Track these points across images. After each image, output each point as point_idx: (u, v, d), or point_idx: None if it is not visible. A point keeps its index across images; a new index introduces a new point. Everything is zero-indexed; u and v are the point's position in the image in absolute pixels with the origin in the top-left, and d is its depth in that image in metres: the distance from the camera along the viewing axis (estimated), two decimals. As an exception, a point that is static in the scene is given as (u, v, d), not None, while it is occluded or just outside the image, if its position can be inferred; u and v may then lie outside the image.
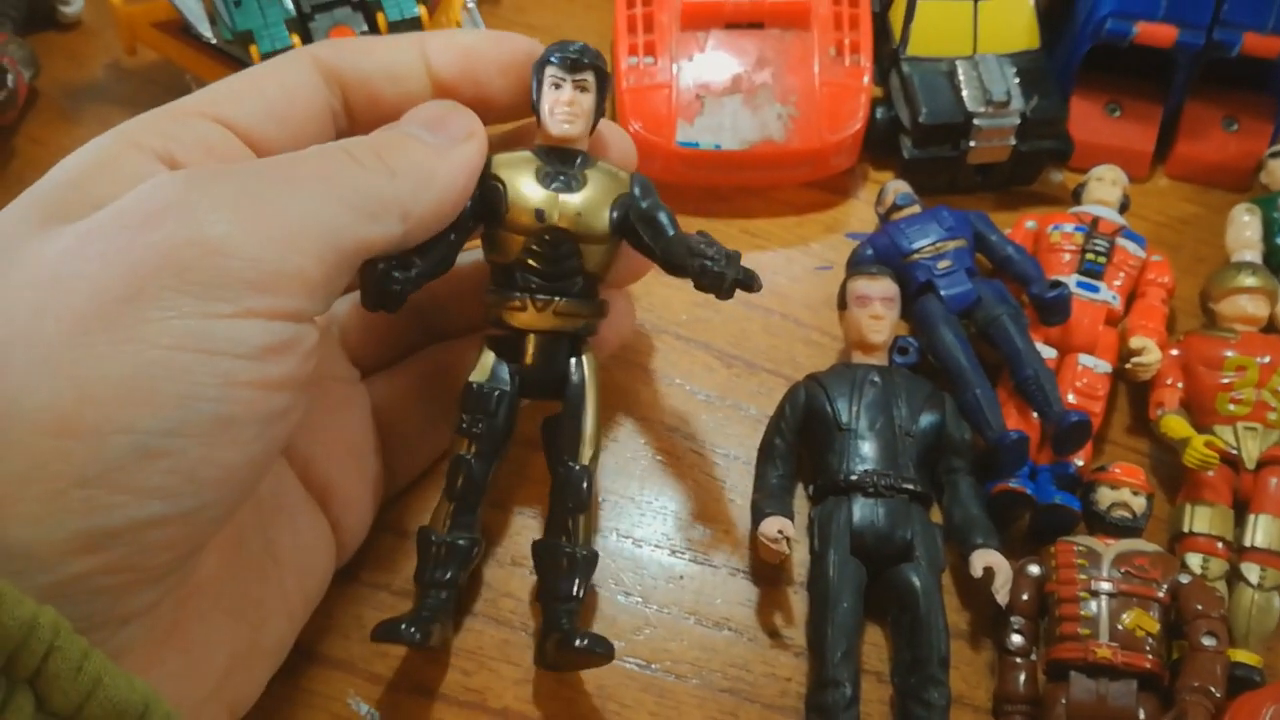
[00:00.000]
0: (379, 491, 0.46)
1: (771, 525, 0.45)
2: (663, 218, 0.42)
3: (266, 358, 0.31)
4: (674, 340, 0.55)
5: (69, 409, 0.28)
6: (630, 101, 0.58)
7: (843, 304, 0.52)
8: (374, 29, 0.56)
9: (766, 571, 0.48)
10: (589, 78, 0.41)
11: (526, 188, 0.41)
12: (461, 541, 0.42)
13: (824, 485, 0.48)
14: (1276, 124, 0.61)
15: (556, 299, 0.42)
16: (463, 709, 0.44)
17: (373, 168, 0.36)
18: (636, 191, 0.42)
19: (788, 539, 0.45)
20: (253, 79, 0.39)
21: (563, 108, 0.41)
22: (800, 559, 0.48)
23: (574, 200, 0.41)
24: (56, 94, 0.64)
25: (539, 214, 0.41)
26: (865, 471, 0.47)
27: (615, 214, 0.42)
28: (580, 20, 0.68)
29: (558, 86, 0.41)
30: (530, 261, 0.42)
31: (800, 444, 0.50)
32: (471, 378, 0.43)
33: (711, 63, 0.59)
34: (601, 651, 0.40)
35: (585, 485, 0.42)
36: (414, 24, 0.57)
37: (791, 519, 0.47)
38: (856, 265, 0.55)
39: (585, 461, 0.43)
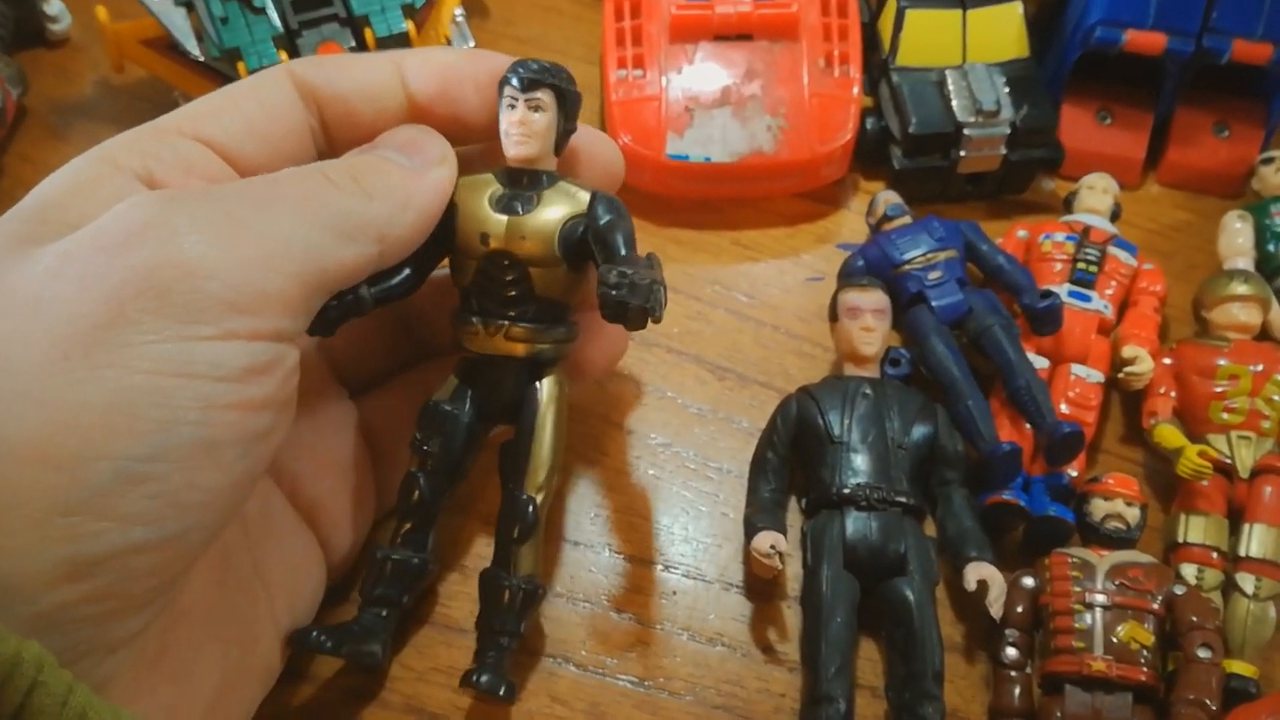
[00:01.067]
0: (369, 510, 0.46)
1: (764, 540, 0.45)
2: (616, 239, 0.40)
3: (247, 379, 0.31)
4: (665, 353, 0.55)
5: (50, 437, 0.27)
6: (619, 114, 0.58)
7: (834, 316, 0.51)
8: (362, 45, 0.56)
9: (760, 586, 0.48)
10: (543, 96, 0.40)
11: (477, 211, 0.41)
12: (412, 560, 0.42)
13: (816, 499, 0.48)
14: (1267, 129, 0.61)
15: (506, 324, 0.41)
16: (455, 729, 0.44)
17: (350, 190, 0.36)
18: (597, 210, 0.40)
19: (780, 554, 0.45)
20: (232, 97, 0.39)
21: (515, 128, 0.40)
22: (794, 573, 0.48)
23: (522, 223, 0.40)
24: (45, 111, 0.64)
25: (483, 238, 0.40)
26: (858, 485, 0.46)
27: (564, 234, 0.40)
28: (569, 32, 0.68)
29: (512, 106, 0.40)
30: (481, 284, 0.41)
31: (793, 457, 0.49)
32: (434, 397, 0.43)
33: (700, 75, 0.59)
34: (497, 696, 0.40)
35: (529, 514, 0.42)
36: (402, 39, 0.57)
37: (784, 533, 0.47)
38: (847, 277, 0.54)
39: (531, 491, 0.42)
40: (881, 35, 0.61)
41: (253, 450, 0.32)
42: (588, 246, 0.40)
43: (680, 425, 0.53)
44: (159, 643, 0.33)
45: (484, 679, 0.40)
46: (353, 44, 0.56)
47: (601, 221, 0.40)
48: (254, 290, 0.31)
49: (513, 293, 0.41)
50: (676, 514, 0.50)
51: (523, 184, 0.41)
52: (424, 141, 0.40)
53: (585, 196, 0.41)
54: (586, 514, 0.50)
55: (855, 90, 0.59)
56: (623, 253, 0.39)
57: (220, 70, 0.57)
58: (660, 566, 0.49)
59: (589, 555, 0.49)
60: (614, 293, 0.36)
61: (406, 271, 0.41)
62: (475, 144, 0.43)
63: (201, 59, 0.57)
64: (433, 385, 0.44)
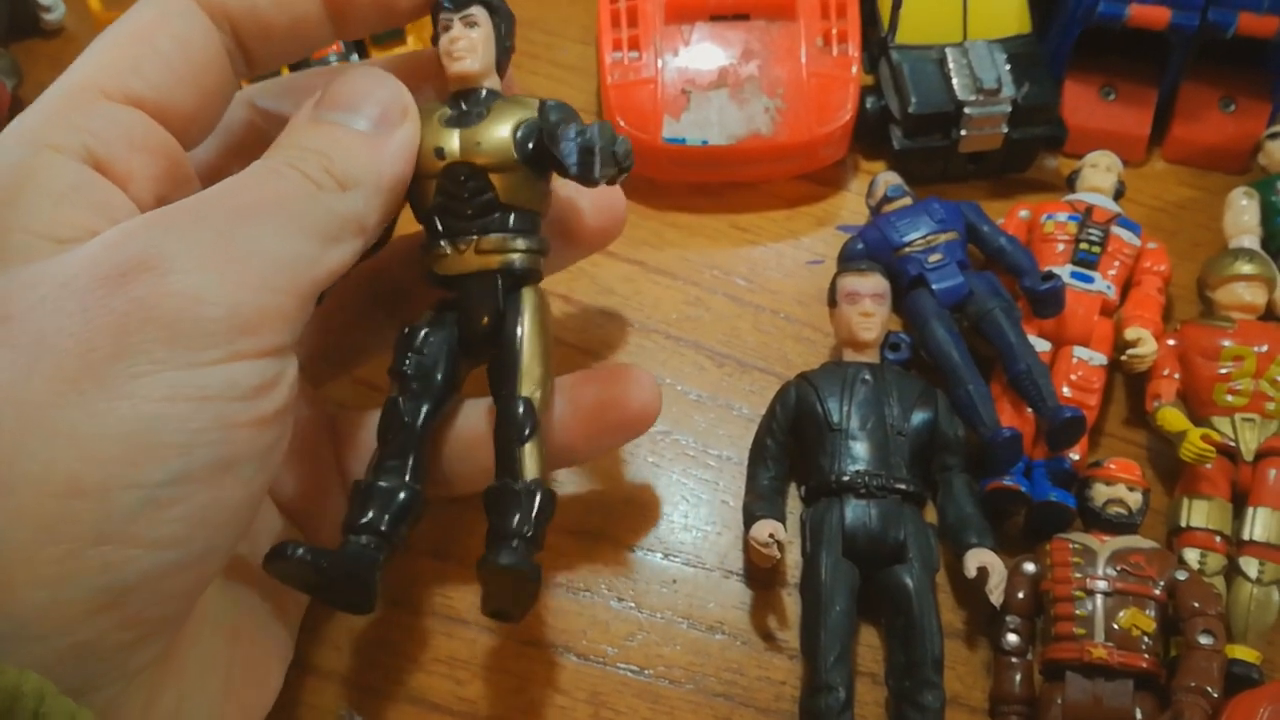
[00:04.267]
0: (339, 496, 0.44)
1: (762, 529, 0.45)
2: (567, 130, 0.39)
3: (259, 395, 0.31)
4: (664, 339, 0.55)
5: (72, 470, 0.27)
6: (615, 98, 0.57)
7: (832, 301, 0.51)
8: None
9: (760, 574, 0.48)
10: (475, 12, 0.40)
11: (429, 130, 0.39)
12: (396, 488, 0.39)
13: (816, 486, 0.47)
14: (1275, 104, 0.60)
15: (476, 237, 0.40)
16: (455, 719, 0.44)
17: (326, 185, 0.35)
18: (548, 112, 0.40)
19: (779, 542, 0.45)
20: (142, 36, 0.35)
21: (454, 45, 0.39)
22: (794, 561, 0.48)
23: (474, 130, 0.39)
24: (40, 102, 0.63)
25: (438, 151, 0.39)
26: (857, 472, 0.46)
27: (520, 136, 0.39)
28: (564, 12, 0.67)
29: (447, 28, 0.40)
30: (443, 204, 0.40)
31: (792, 444, 0.49)
32: (410, 324, 0.41)
33: (697, 56, 0.58)
34: (524, 574, 0.37)
35: (528, 413, 0.39)
36: (395, 30, 0.56)
37: (784, 521, 0.46)
38: (847, 260, 0.54)
39: (526, 392, 0.40)
40: (881, 12, 0.60)
41: (268, 462, 0.32)
42: (544, 149, 0.39)
43: (679, 412, 0.53)
44: (168, 650, 0.33)
45: (505, 558, 0.37)
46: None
47: (552, 118, 0.39)
48: (254, 310, 0.31)
49: (477, 203, 0.40)
50: (676, 502, 0.50)
51: (470, 98, 0.40)
52: (378, 94, 0.38)
53: (534, 102, 0.40)
54: (586, 503, 0.50)
55: (854, 69, 0.58)
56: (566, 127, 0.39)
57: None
58: (660, 555, 0.49)
59: (588, 544, 0.48)
60: (578, 139, 0.38)
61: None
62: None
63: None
64: None
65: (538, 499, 0.38)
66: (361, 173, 0.36)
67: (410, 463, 0.39)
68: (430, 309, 0.42)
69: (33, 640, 0.27)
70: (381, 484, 0.39)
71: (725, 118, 0.57)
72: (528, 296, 0.41)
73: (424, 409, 0.40)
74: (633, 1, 0.59)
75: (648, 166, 0.58)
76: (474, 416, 0.43)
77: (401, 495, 0.39)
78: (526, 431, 0.39)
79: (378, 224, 0.37)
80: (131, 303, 0.29)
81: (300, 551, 0.36)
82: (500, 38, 0.41)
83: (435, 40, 0.41)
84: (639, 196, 0.59)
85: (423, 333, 0.41)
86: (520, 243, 0.40)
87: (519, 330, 0.40)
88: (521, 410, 0.39)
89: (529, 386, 0.40)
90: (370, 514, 0.38)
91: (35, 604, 0.27)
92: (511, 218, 0.40)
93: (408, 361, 0.40)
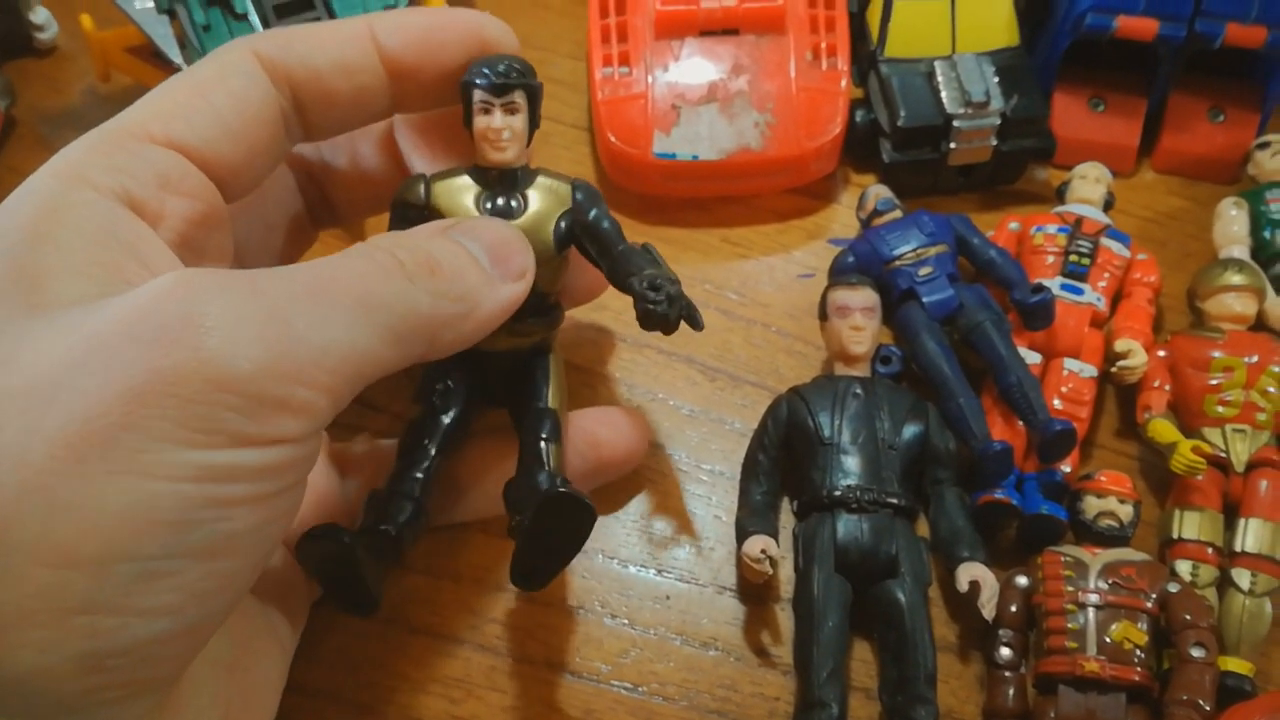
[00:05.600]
0: (352, 507, 0.45)
1: (754, 545, 0.45)
2: (605, 229, 0.41)
3: (264, 478, 0.30)
4: (656, 354, 0.55)
5: (67, 540, 0.27)
6: (606, 114, 0.58)
7: (823, 315, 0.51)
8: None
9: (753, 589, 0.48)
10: (517, 98, 0.40)
11: (466, 215, 0.41)
12: (398, 494, 0.41)
13: (808, 501, 0.47)
14: (1263, 114, 0.60)
15: (510, 321, 0.40)
16: (450, 739, 0.44)
17: (421, 285, 0.34)
18: (579, 199, 0.42)
19: (771, 558, 0.45)
20: (199, 88, 0.36)
21: (496, 135, 0.40)
22: (787, 576, 0.48)
23: (517, 228, 0.40)
24: (35, 121, 0.63)
25: None
26: (848, 487, 0.46)
27: (559, 231, 0.41)
28: (555, 28, 0.67)
29: (487, 111, 0.40)
30: None
31: (784, 459, 0.49)
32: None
33: (687, 71, 0.58)
34: (583, 505, 0.38)
35: (554, 422, 0.42)
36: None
37: (776, 536, 0.46)
38: (837, 274, 0.54)
39: (553, 406, 0.43)
40: (870, 25, 0.60)
41: (271, 532, 0.32)
42: (575, 238, 0.42)
43: (672, 427, 0.53)
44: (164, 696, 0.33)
45: (562, 486, 0.38)
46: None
47: (589, 214, 0.42)
48: (278, 401, 0.30)
49: None
50: (669, 518, 0.50)
51: (502, 184, 0.41)
52: (513, 251, 0.38)
53: (566, 189, 0.42)
54: (579, 519, 0.50)
55: (843, 83, 0.58)
56: (616, 247, 0.41)
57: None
58: (653, 571, 0.49)
59: (581, 561, 0.48)
60: (654, 308, 0.38)
61: None
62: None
63: (186, 67, 0.57)
64: None
65: (558, 480, 0.40)
66: (463, 289, 0.35)
67: (419, 479, 0.42)
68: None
69: (23, 696, 0.27)
70: (394, 494, 0.41)
71: (715, 132, 0.57)
72: (552, 360, 0.45)
73: (441, 434, 0.43)
74: (623, 17, 0.60)
75: (638, 181, 0.58)
76: (483, 447, 0.46)
77: (410, 508, 0.41)
78: (553, 435, 0.42)
79: (447, 346, 0.36)
80: (153, 374, 0.28)
81: (345, 536, 0.38)
82: (533, 117, 0.41)
83: (467, 120, 0.41)
84: (630, 211, 0.59)
85: (447, 372, 0.43)
86: (545, 320, 0.44)
87: (545, 378, 0.44)
88: (549, 417, 0.43)
89: (554, 402, 0.43)
90: (383, 519, 0.41)
91: (24, 666, 0.27)
92: (541, 301, 0.43)
93: (436, 390, 0.43)
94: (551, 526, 0.38)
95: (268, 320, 0.30)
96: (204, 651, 0.34)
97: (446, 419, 0.43)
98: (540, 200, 0.41)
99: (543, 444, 0.42)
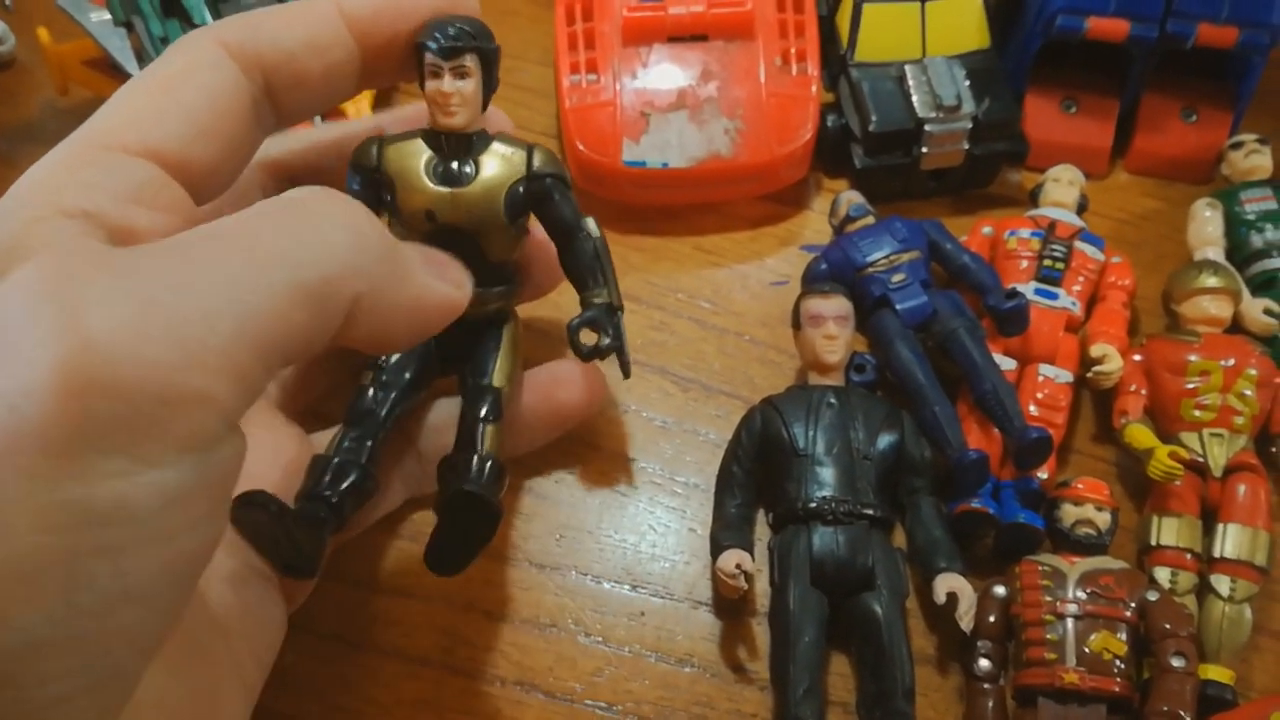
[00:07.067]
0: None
1: (729, 560, 0.44)
2: (557, 210, 0.42)
3: (166, 511, 0.25)
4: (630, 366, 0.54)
5: None
6: (574, 121, 0.57)
7: (796, 324, 0.50)
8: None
9: (729, 604, 0.47)
10: (468, 62, 0.39)
11: (416, 185, 0.40)
12: (339, 460, 0.40)
13: (783, 513, 0.47)
14: (1236, 113, 0.60)
15: None
16: (420, 764, 0.43)
17: (332, 231, 0.29)
18: (535, 166, 0.41)
19: (746, 573, 0.44)
20: (166, 86, 0.33)
21: (445, 98, 0.39)
22: (763, 589, 0.47)
23: (465, 194, 0.40)
24: (-8, 136, 0.62)
25: (429, 215, 0.40)
26: (823, 498, 0.45)
27: (510, 200, 0.41)
28: (525, 34, 0.66)
29: (436, 75, 0.39)
30: None
31: (759, 470, 0.49)
32: None
33: (655, 78, 0.57)
34: (489, 507, 0.39)
35: (494, 400, 0.42)
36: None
37: (751, 550, 0.46)
38: (810, 282, 0.53)
39: (496, 383, 0.43)
40: (839, 29, 0.60)
41: (185, 571, 0.27)
42: (529, 206, 0.42)
43: (645, 440, 0.52)
44: None
45: (470, 485, 0.39)
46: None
47: (544, 190, 0.42)
48: (165, 398, 0.24)
49: (462, 261, 0.39)
50: (644, 531, 0.49)
51: (455, 149, 0.41)
52: (449, 266, 0.36)
53: (520, 155, 0.41)
54: (551, 536, 0.49)
55: (814, 89, 0.58)
56: (572, 243, 0.43)
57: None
58: (628, 586, 0.48)
59: (554, 578, 0.48)
60: (582, 356, 0.43)
61: None
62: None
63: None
64: None
65: (490, 463, 0.40)
66: (388, 247, 0.31)
67: (368, 446, 0.41)
68: None
69: None
70: (337, 460, 0.41)
71: (685, 140, 0.56)
72: (507, 330, 0.44)
73: (390, 399, 0.43)
74: (590, 24, 0.59)
75: (608, 190, 0.58)
76: (444, 411, 0.46)
77: (354, 474, 0.40)
78: (491, 415, 0.42)
79: (378, 322, 0.31)
80: (8, 411, 0.22)
81: (266, 502, 0.37)
82: (489, 80, 0.41)
83: (421, 82, 0.40)
84: (601, 220, 0.57)
85: None
86: (500, 289, 0.43)
87: (495, 349, 0.44)
88: (490, 396, 0.42)
89: (500, 380, 0.43)
90: (324, 485, 0.40)
91: None
92: (495, 271, 0.43)
93: (383, 358, 0.43)
94: (459, 521, 0.39)
95: (139, 301, 0.25)
96: (158, 701, 0.33)
97: (396, 386, 0.43)
98: (493, 166, 0.41)
99: (479, 425, 0.41)
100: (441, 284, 0.34)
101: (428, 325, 0.34)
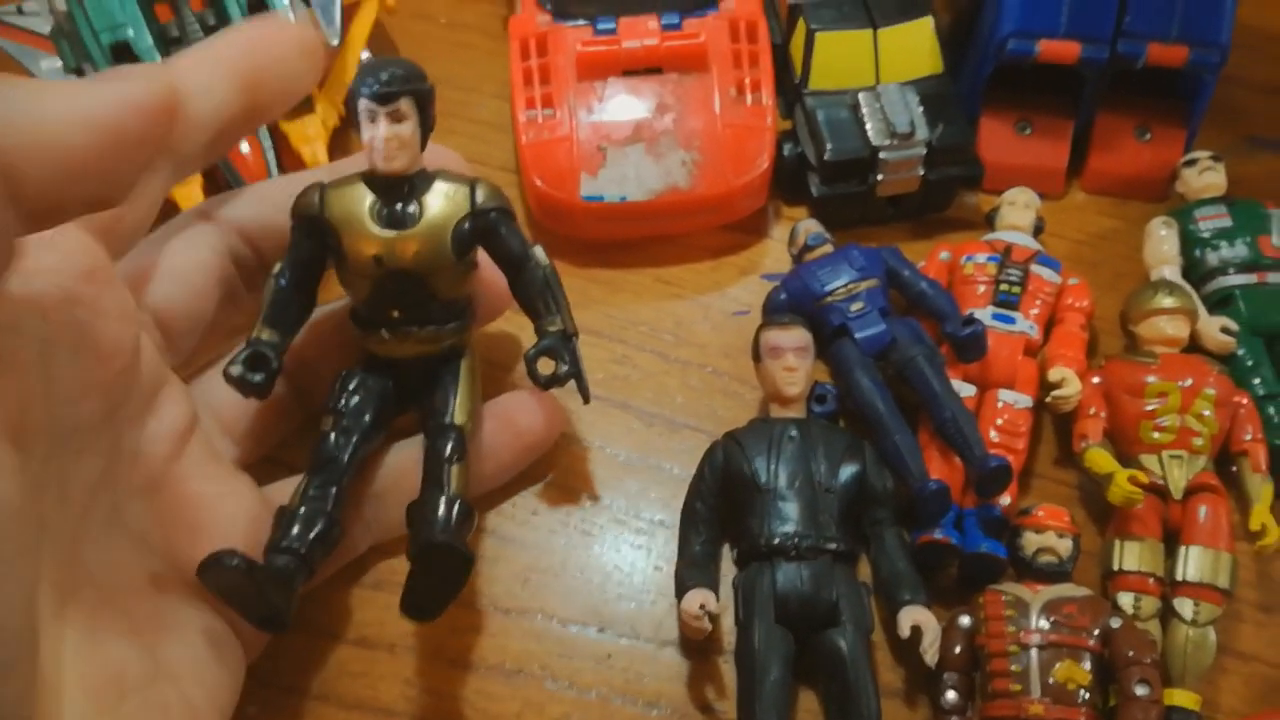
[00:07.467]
0: None
1: (693, 601, 0.44)
2: (504, 242, 0.43)
3: None
4: (593, 401, 0.54)
5: None
6: (531, 157, 0.57)
7: (756, 356, 0.50)
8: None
9: (696, 642, 0.47)
10: (403, 105, 0.40)
11: (361, 231, 0.41)
12: (305, 510, 0.41)
13: (746, 550, 0.47)
14: (1189, 131, 0.60)
15: (415, 329, 0.42)
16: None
17: None
18: (478, 201, 0.42)
19: (710, 613, 0.44)
20: (169, 261, 0.41)
21: (384, 144, 0.40)
22: (730, 626, 0.47)
23: (412, 236, 0.41)
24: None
25: (377, 261, 0.41)
26: (786, 534, 0.45)
27: (456, 237, 0.41)
28: (482, 68, 0.66)
29: (373, 120, 0.40)
30: (380, 300, 0.42)
31: (722, 506, 0.48)
32: (349, 369, 0.44)
33: (611, 111, 0.57)
34: (459, 555, 0.39)
35: (459, 436, 0.42)
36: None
37: (716, 588, 0.46)
38: (770, 313, 0.53)
39: (458, 421, 0.43)
40: (793, 58, 0.60)
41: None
42: (477, 241, 0.43)
43: (609, 476, 0.52)
44: None
45: (441, 537, 0.39)
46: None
47: (489, 225, 0.42)
48: None
49: (414, 299, 0.42)
50: (609, 571, 0.49)
51: (397, 191, 0.41)
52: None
53: (464, 193, 0.42)
54: (517, 579, 0.49)
55: (769, 119, 0.58)
56: (521, 274, 0.43)
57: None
58: (594, 629, 0.48)
59: (521, 622, 0.47)
60: (540, 385, 0.43)
61: (300, 299, 0.43)
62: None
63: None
64: None
65: (457, 505, 0.40)
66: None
67: (332, 494, 0.42)
68: (363, 357, 0.45)
69: None
70: (303, 510, 0.41)
71: (642, 173, 0.56)
72: (464, 365, 0.45)
73: (353, 443, 0.43)
74: (545, 59, 0.59)
75: (567, 225, 0.57)
76: (402, 454, 0.46)
77: (320, 523, 0.41)
78: (456, 454, 0.42)
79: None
80: None
81: (237, 561, 0.36)
82: (425, 121, 0.41)
83: (357, 127, 0.41)
84: (560, 255, 0.57)
85: (358, 378, 0.44)
86: (454, 325, 0.44)
87: (454, 385, 0.44)
88: (453, 435, 0.42)
89: (461, 417, 0.43)
90: (293, 538, 0.40)
91: None
92: (446, 308, 0.43)
93: (342, 401, 0.43)
94: (433, 570, 0.39)
95: None
96: None
97: (357, 430, 0.43)
98: (437, 206, 0.41)
99: (444, 466, 0.42)
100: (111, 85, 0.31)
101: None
